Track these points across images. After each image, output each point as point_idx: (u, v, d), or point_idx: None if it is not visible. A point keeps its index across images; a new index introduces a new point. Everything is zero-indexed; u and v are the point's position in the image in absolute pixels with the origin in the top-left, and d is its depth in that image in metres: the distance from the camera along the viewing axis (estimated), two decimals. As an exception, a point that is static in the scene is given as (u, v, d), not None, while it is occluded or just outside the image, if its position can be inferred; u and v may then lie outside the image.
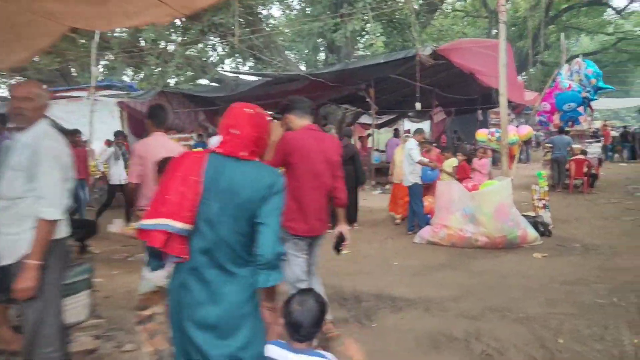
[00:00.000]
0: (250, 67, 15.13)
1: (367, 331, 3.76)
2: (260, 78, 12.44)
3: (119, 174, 8.31)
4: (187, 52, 11.83)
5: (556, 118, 12.40)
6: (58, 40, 6.20)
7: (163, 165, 2.87)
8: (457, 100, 15.91)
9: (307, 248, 3.26)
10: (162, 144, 3.74)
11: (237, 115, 1.91)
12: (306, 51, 14.24)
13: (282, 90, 12.09)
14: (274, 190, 1.85)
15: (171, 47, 11.33)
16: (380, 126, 20.36)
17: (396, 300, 4.41)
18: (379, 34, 7.13)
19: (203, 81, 15.15)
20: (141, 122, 13.73)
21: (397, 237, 7.31)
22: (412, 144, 7.46)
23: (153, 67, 10.59)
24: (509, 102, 12.80)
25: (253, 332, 1.84)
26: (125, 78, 20.59)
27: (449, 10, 23.19)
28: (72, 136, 7.95)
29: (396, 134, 15.97)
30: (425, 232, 6.88)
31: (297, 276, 3.17)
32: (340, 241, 3.28)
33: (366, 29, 8.95)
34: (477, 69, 10.07)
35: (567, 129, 12.24)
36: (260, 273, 1.80)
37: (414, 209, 7.48)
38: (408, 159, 7.40)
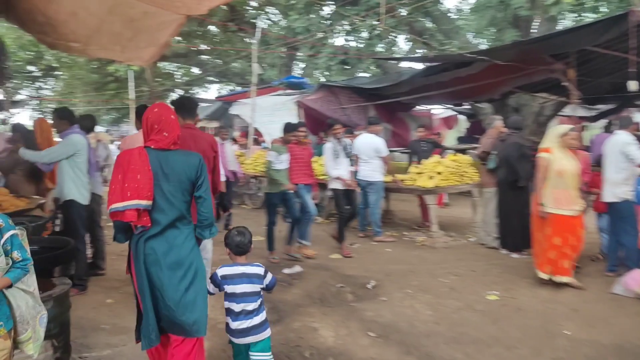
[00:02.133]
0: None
1: None
2: (426, 65, 10.69)
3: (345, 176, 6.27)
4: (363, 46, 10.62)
5: None
6: (177, 32, 5.82)
7: None
8: None
9: None
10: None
11: (165, 121, 2.52)
12: (487, 31, 11.78)
13: (455, 77, 10.13)
14: (201, 169, 2.54)
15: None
16: (594, 119, 16.24)
17: None
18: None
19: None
20: (318, 119, 13.35)
21: (590, 279, 4.84)
22: (627, 138, 4.91)
23: (306, 59, 9.84)
24: None
25: (198, 268, 2.55)
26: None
27: None
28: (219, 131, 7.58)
29: (607, 128, 12.20)
30: (634, 280, 4.36)
31: None
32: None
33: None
34: None
35: None
36: (205, 230, 2.59)
37: (619, 240, 4.93)
38: (619, 161, 4.88)
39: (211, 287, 2.72)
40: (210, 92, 30.06)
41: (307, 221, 5.97)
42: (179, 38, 16.13)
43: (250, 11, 11.47)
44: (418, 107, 15.86)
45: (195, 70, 24.97)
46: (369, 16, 9.49)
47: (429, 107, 16.33)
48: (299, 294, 4.57)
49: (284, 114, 15.96)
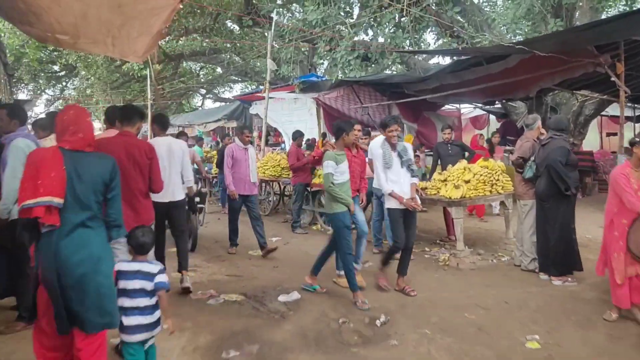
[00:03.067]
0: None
1: None
2: (455, 59, 9.75)
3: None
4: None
5: None
6: (170, 19, 5.21)
7: None
8: None
9: None
10: None
11: (81, 122, 2.59)
12: (522, 23, 10.68)
13: (487, 73, 9.17)
14: (114, 172, 2.63)
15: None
16: (638, 119, 14.89)
17: None
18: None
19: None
20: (338, 120, 12.50)
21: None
22: None
23: (324, 54, 9.06)
24: None
25: (109, 265, 2.59)
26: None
27: None
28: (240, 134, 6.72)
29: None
30: None
31: None
32: None
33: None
34: None
35: None
36: (113, 230, 2.64)
37: None
38: None
39: None
40: (234, 91, 29.75)
41: (358, 241, 4.95)
42: (195, 35, 15.59)
43: (269, 4, 10.75)
44: (446, 106, 14.85)
45: (219, 70, 24.56)
46: (392, 6, 8.60)
47: (457, 105, 15.29)
48: (290, 331, 3.77)
49: (302, 114, 15.16)
